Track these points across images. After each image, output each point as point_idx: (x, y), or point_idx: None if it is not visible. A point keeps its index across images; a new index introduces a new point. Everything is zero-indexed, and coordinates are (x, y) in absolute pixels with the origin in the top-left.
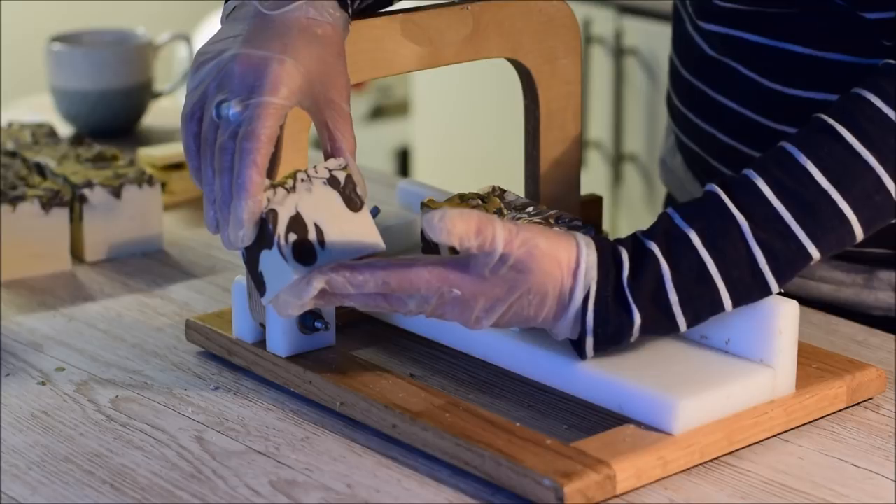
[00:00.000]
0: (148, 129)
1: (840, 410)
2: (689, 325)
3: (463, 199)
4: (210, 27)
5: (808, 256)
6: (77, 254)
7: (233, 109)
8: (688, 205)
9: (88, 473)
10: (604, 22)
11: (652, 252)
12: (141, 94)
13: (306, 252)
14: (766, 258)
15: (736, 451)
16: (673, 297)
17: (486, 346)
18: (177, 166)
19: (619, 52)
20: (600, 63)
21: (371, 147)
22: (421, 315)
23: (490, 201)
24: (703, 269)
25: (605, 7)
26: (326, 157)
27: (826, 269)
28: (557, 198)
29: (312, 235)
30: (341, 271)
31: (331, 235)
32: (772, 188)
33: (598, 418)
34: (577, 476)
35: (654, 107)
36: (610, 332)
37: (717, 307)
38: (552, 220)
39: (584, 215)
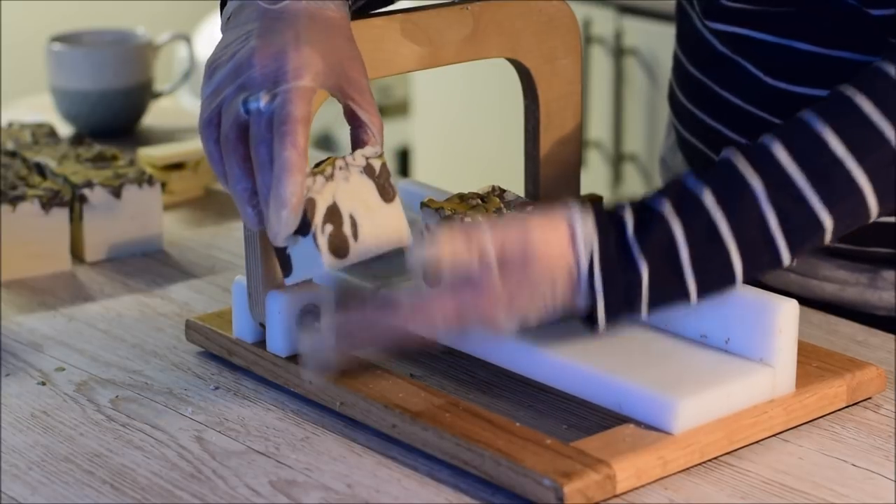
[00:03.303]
0: (148, 129)
1: (840, 410)
2: (699, 293)
3: (463, 199)
4: (210, 27)
5: (821, 225)
6: (77, 254)
7: (262, 102)
8: (701, 169)
9: (88, 473)
10: (604, 22)
11: (660, 211)
12: (141, 94)
13: (340, 245)
14: (779, 222)
15: (736, 450)
16: (684, 255)
17: (486, 346)
18: (177, 166)
19: (619, 52)
20: (600, 63)
21: None
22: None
23: (490, 201)
24: (714, 230)
25: (605, 7)
26: (354, 140)
27: (830, 268)
28: (557, 198)
29: (347, 228)
30: (357, 332)
31: (364, 229)
32: (787, 153)
33: (597, 418)
34: (577, 476)
35: (654, 107)
36: (619, 293)
37: (728, 274)
38: None
39: None
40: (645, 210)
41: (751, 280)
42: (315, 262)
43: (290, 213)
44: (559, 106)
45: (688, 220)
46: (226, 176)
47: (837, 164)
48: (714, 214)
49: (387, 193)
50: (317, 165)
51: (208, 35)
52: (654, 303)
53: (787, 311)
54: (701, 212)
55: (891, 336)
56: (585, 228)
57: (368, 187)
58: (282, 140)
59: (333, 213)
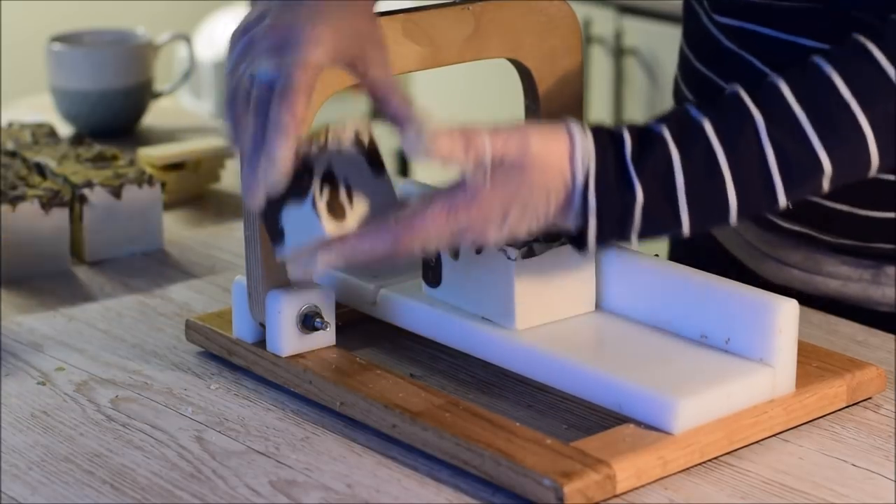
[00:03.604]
0: (148, 129)
1: (840, 410)
2: (692, 226)
3: None
4: (210, 27)
5: (820, 166)
6: (77, 254)
7: (267, 70)
8: (706, 101)
9: (88, 473)
10: (604, 22)
11: (661, 136)
12: (141, 94)
13: (338, 210)
14: (778, 159)
15: (736, 450)
16: (679, 182)
17: (486, 346)
18: (177, 166)
19: (619, 52)
20: (600, 63)
21: None
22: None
23: None
24: (713, 161)
25: (605, 7)
26: (383, 116)
27: (833, 263)
28: None
29: (343, 194)
30: (348, 241)
31: (359, 196)
32: (793, 92)
33: (597, 418)
34: (577, 476)
35: (654, 107)
36: (613, 215)
37: (723, 208)
38: None
39: None
40: (646, 134)
41: (747, 216)
42: (313, 227)
43: (278, 173)
44: (560, 106)
45: (687, 148)
46: (241, 152)
47: (843, 107)
48: (714, 145)
49: (376, 166)
50: (311, 136)
51: (208, 35)
52: (646, 229)
53: (787, 311)
54: (701, 141)
55: (891, 336)
56: (585, 144)
57: (359, 159)
58: (278, 105)
59: (329, 178)
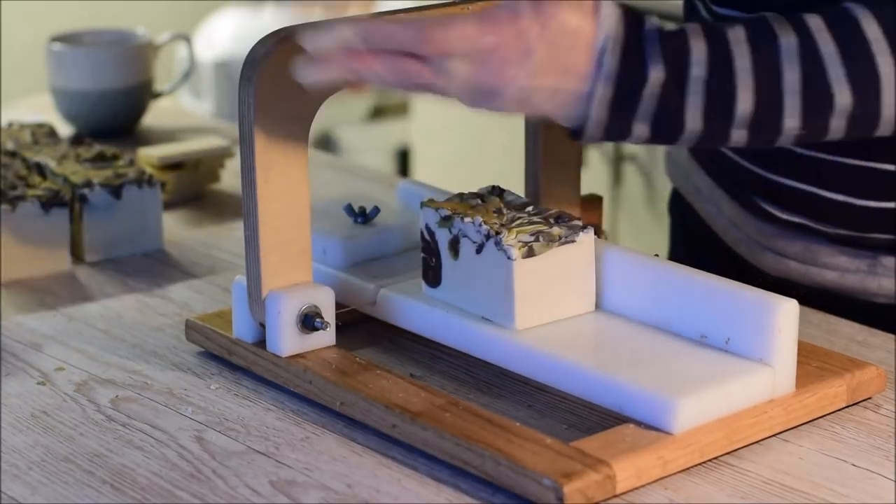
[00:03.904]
0: (148, 129)
1: (840, 410)
2: (697, 121)
3: (463, 199)
4: (210, 27)
5: (833, 99)
6: (77, 254)
7: None
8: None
9: (88, 473)
10: None
11: (687, 28)
12: (141, 94)
13: None
14: (798, 81)
15: (736, 450)
16: (695, 72)
17: (486, 346)
18: (177, 166)
19: None
20: None
21: (371, 147)
22: (457, 83)
23: (490, 201)
24: (732, 62)
25: None
26: None
27: (830, 254)
28: (557, 198)
29: None
30: (372, 20)
31: None
32: (824, 25)
33: (597, 418)
34: (577, 476)
35: None
36: (626, 85)
37: (730, 112)
38: (552, 220)
39: (583, 215)
40: (672, 28)
41: (752, 133)
42: None
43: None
44: None
45: (712, 43)
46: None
47: (865, 49)
48: (738, 48)
49: None
50: None
51: (208, 35)
52: (653, 115)
53: (786, 311)
54: (726, 41)
55: (891, 336)
56: (608, 9)
57: None
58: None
59: None
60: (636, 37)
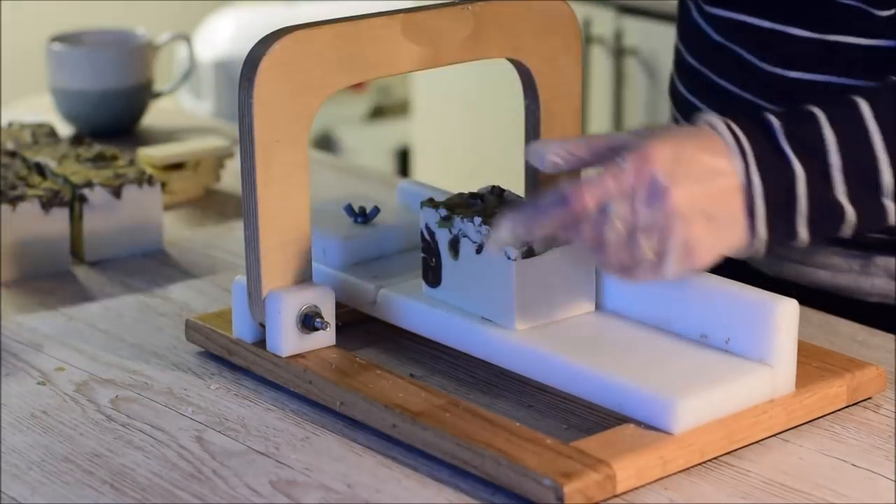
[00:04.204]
0: (148, 129)
1: (840, 410)
2: (853, 204)
3: (463, 199)
4: (210, 27)
5: None
6: (77, 254)
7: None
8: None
9: (88, 473)
10: (604, 22)
11: (811, 111)
12: (141, 94)
13: None
14: None
15: (736, 450)
16: (835, 159)
17: (486, 346)
18: (177, 166)
19: (619, 52)
20: (600, 63)
21: (371, 147)
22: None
23: (489, 201)
24: (866, 138)
25: (605, 7)
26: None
27: (824, 254)
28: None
29: None
30: (530, 210)
31: None
32: None
33: (598, 418)
34: (577, 476)
35: (653, 106)
36: (777, 194)
37: (876, 186)
38: None
39: None
40: (795, 111)
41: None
42: None
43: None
44: (560, 106)
45: (840, 124)
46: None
47: None
48: (868, 124)
49: None
50: None
51: (208, 35)
52: (812, 213)
53: (786, 311)
54: (855, 119)
55: (891, 336)
56: (730, 131)
57: None
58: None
59: None
60: (768, 144)
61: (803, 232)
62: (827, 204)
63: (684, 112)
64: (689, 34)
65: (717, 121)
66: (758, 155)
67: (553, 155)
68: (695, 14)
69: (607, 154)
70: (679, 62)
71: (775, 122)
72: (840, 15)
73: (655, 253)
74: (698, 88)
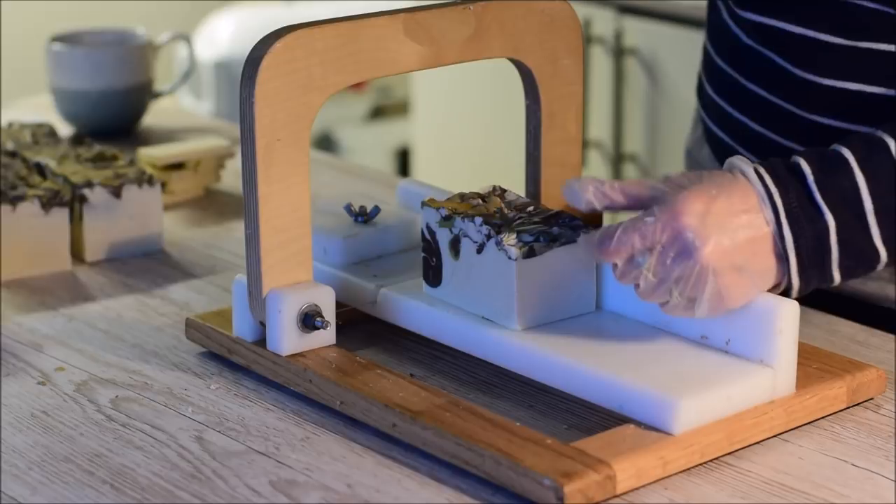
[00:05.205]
0: (148, 129)
1: (840, 410)
2: (885, 245)
3: (463, 199)
4: (210, 27)
5: None
6: (77, 254)
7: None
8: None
9: (88, 473)
10: (604, 22)
11: (844, 157)
12: (141, 94)
13: None
14: None
15: (736, 451)
16: (868, 206)
17: (486, 346)
18: (177, 166)
19: (619, 52)
20: (600, 63)
21: (371, 147)
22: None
23: (490, 201)
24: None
25: (605, 7)
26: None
27: None
28: (558, 198)
29: None
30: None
31: None
32: None
33: (598, 418)
34: (577, 476)
35: (654, 107)
36: (809, 244)
37: None
38: (552, 220)
39: (584, 215)
40: (827, 157)
41: None
42: None
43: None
44: (561, 106)
45: (874, 169)
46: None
47: None
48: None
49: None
50: None
51: (208, 35)
52: (845, 258)
53: (787, 313)
54: (886, 162)
55: (891, 336)
56: (763, 184)
57: None
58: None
59: None
60: (798, 195)
61: (836, 276)
62: (860, 249)
63: (711, 113)
64: (718, 35)
65: (748, 168)
66: (788, 206)
67: (588, 194)
68: (725, 16)
69: (641, 202)
70: (707, 63)
71: (807, 168)
72: (871, 22)
73: (688, 299)
74: (727, 91)
